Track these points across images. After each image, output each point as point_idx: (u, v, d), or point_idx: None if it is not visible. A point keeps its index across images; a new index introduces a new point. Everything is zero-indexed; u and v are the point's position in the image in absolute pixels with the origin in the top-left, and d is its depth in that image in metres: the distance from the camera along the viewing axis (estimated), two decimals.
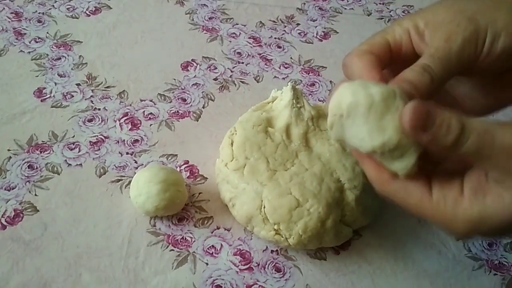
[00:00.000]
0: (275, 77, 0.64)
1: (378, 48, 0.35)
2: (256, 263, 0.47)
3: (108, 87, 0.61)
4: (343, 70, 0.36)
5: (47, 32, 0.67)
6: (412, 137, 0.29)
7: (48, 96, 0.59)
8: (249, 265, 0.47)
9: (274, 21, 0.72)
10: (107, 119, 0.57)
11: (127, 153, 0.54)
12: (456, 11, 0.33)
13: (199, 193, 0.52)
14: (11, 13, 0.69)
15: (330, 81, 0.64)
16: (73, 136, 0.55)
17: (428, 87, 0.31)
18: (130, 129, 0.57)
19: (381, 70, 0.34)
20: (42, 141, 0.54)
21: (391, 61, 0.35)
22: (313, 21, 0.73)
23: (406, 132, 0.29)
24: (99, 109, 0.58)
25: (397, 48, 0.35)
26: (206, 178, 0.53)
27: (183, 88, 0.62)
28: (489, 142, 0.27)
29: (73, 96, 0.59)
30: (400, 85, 0.30)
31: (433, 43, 0.33)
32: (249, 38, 0.69)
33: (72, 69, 0.62)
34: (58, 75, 0.62)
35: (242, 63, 0.66)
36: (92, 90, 0.60)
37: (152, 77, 0.63)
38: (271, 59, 0.67)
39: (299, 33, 0.71)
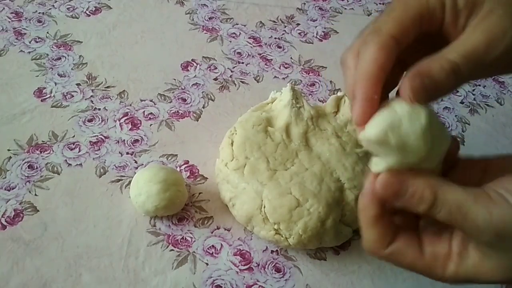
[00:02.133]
0: (275, 77, 0.64)
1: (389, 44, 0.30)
2: (256, 263, 0.47)
3: (108, 87, 0.61)
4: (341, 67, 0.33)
5: (47, 32, 0.67)
6: (385, 202, 0.29)
7: (48, 96, 0.59)
8: (249, 265, 0.47)
9: (274, 21, 0.72)
10: (107, 119, 0.57)
11: (127, 153, 0.54)
12: (505, 14, 0.29)
13: (199, 193, 0.52)
14: (11, 13, 0.69)
15: (330, 81, 0.64)
16: (73, 136, 0.55)
17: (449, 89, 0.29)
18: (130, 129, 0.57)
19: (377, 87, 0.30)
20: (42, 141, 0.54)
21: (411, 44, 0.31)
22: (313, 21, 0.73)
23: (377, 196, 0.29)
24: (99, 109, 0.58)
25: (426, 22, 0.31)
26: (206, 178, 0.53)
27: (183, 88, 0.62)
28: (460, 219, 0.28)
29: (73, 96, 0.59)
30: (422, 79, 0.28)
31: (471, 39, 0.29)
32: (249, 38, 0.69)
33: (72, 69, 0.62)
34: (58, 75, 0.62)
35: (242, 63, 0.66)
36: (92, 90, 0.60)
37: (152, 77, 0.63)
38: (271, 59, 0.67)
39: (299, 33, 0.71)
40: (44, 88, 0.60)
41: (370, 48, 0.30)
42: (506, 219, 0.26)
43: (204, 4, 0.74)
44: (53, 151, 0.54)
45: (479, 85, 0.67)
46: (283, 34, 0.70)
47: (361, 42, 0.31)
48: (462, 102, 0.65)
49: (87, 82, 0.61)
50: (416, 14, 0.30)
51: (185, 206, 0.50)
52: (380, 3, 0.77)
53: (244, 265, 0.47)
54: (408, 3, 0.31)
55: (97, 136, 0.55)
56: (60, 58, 0.64)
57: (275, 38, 0.70)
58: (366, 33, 0.31)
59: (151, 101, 0.60)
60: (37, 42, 0.65)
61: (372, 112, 0.29)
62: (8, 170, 0.52)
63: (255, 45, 0.68)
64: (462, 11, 0.30)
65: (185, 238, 0.48)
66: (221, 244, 0.48)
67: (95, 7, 0.71)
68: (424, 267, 0.30)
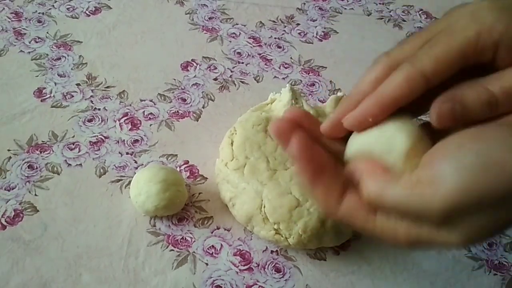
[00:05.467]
0: (275, 77, 0.64)
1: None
2: (256, 263, 0.47)
3: (108, 87, 0.61)
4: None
5: (47, 32, 0.67)
6: None
7: (48, 96, 0.59)
8: (249, 265, 0.47)
9: (274, 21, 0.72)
10: (107, 119, 0.57)
11: (127, 153, 0.54)
12: None
13: (199, 193, 0.52)
14: (11, 13, 0.69)
15: (330, 81, 0.64)
16: (73, 136, 0.55)
17: (479, 119, 0.28)
18: (130, 129, 0.57)
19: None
20: (42, 141, 0.54)
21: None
22: (313, 21, 0.73)
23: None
24: (99, 109, 0.58)
25: (471, 59, 0.29)
26: (206, 178, 0.53)
27: (183, 88, 0.62)
28: (402, 214, 0.29)
29: (73, 96, 0.59)
30: (453, 105, 0.27)
31: None
32: (249, 38, 0.69)
33: (72, 69, 0.62)
34: (58, 75, 0.62)
35: (242, 63, 0.66)
36: (92, 90, 0.60)
37: (152, 77, 0.63)
38: (271, 59, 0.67)
39: (299, 33, 0.71)
40: (44, 88, 0.60)
41: (397, 78, 0.29)
42: (444, 206, 0.26)
43: (204, 4, 0.74)
44: (53, 151, 0.54)
45: None
46: (283, 34, 0.70)
47: (396, 55, 0.30)
48: None
49: (87, 82, 0.61)
50: (458, 54, 0.28)
51: (185, 206, 0.50)
52: (380, 3, 0.77)
53: (244, 265, 0.47)
54: (453, 39, 0.28)
55: (97, 136, 0.55)
56: (60, 58, 0.64)
57: (275, 38, 0.70)
58: (406, 53, 0.30)
59: (151, 101, 0.60)
60: (37, 42, 0.65)
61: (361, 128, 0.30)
62: (8, 170, 0.52)
63: (255, 45, 0.68)
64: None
65: (185, 238, 0.48)
66: (221, 244, 0.48)
67: (95, 7, 0.71)
68: (375, 229, 0.30)
